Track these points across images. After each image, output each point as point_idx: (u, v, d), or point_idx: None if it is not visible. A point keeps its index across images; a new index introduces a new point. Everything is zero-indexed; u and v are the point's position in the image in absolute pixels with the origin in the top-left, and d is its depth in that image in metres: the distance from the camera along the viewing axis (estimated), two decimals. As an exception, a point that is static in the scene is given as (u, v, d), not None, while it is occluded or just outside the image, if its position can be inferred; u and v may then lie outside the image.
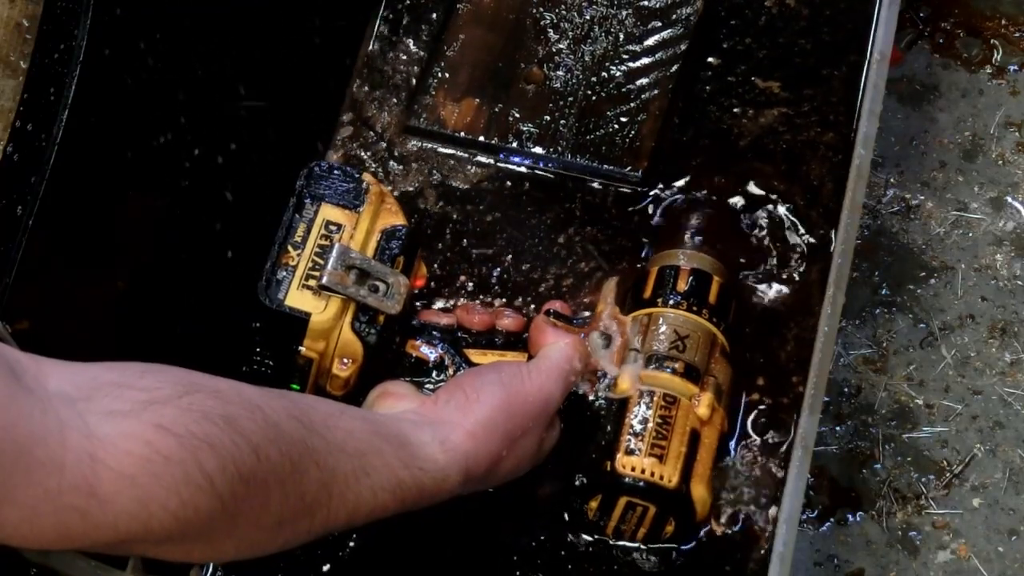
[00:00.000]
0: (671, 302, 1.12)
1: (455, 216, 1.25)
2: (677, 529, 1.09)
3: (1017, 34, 1.62)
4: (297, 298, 1.07)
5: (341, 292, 1.06)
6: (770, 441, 1.14)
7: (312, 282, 1.07)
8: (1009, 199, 1.53)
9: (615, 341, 1.12)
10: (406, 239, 1.11)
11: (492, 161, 1.28)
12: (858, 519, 1.38)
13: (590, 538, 1.11)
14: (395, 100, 1.31)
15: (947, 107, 1.58)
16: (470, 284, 1.22)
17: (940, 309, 1.48)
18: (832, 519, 1.38)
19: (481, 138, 1.28)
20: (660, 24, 1.31)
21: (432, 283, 1.21)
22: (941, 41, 1.62)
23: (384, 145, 1.29)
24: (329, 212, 1.10)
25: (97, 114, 1.02)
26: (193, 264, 1.16)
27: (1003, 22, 1.63)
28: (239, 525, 0.85)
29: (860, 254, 1.48)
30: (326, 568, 1.10)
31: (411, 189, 1.27)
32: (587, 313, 1.17)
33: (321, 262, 1.07)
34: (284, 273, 1.07)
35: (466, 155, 1.28)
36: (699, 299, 1.12)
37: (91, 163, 1.03)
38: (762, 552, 1.09)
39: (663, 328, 1.11)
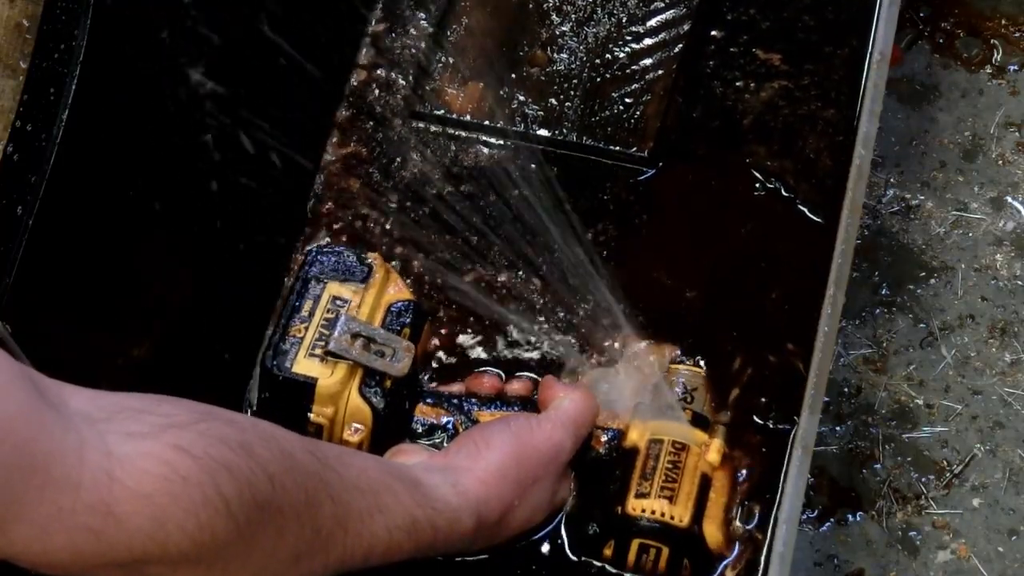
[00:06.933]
0: (680, 359, 1.15)
1: (462, 202, 1.25)
2: (693, 570, 1.09)
3: (1017, 34, 1.62)
4: (304, 365, 1.07)
5: (347, 357, 1.07)
6: (769, 441, 1.14)
7: (319, 350, 1.08)
8: (1009, 199, 1.53)
9: (625, 395, 1.13)
10: (412, 313, 1.12)
11: (498, 144, 1.28)
12: (858, 519, 1.38)
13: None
14: (401, 84, 1.31)
15: (947, 107, 1.58)
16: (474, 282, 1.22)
17: (940, 309, 1.48)
18: (832, 519, 1.38)
19: (487, 121, 1.28)
20: (663, 5, 1.32)
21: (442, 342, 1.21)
22: (941, 41, 1.62)
23: (389, 132, 1.29)
24: (335, 288, 1.11)
25: (97, 114, 1.02)
26: (201, 271, 1.16)
27: (1003, 22, 1.63)
28: (255, 554, 0.85)
29: (860, 254, 1.48)
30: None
31: (418, 176, 1.27)
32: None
33: (327, 332, 1.08)
34: (291, 343, 1.08)
35: (472, 138, 1.28)
36: (708, 355, 1.15)
37: (92, 164, 1.03)
38: (762, 552, 1.09)
39: (672, 381, 1.14)
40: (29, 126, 0.98)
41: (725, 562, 1.09)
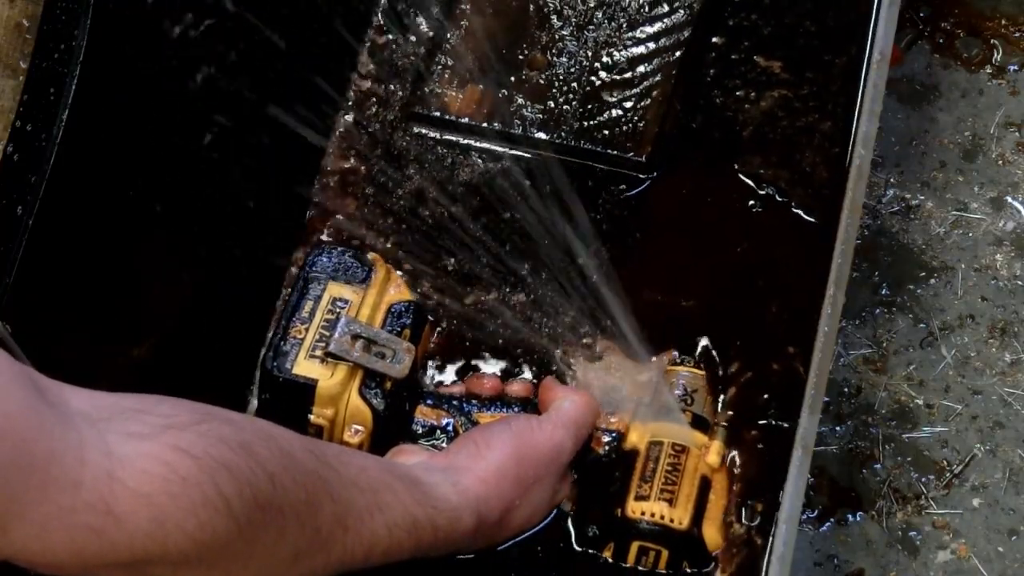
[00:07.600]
0: (680, 360, 1.15)
1: (459, 207, 1.25)
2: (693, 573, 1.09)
3: (1017, 34, 1.62)
4: (305, 367, 1.07)
5: (348, 358, 1.07)
6: (770, 441, 1.14)
7: (319, 351, 1.08)
8: (1009, 199, 1.53)
9: (625, 397, 1.13)
10: (413, 314, 1.12)
11: (496, 150, 1.28)
12: (858, 519, 1.38)
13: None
14: (400, 89, 1.31)
15: (947, 107, 1.58)
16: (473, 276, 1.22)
17: (940, 309, 1.48)
18: (832, 519, 1.38)
19: (484, 124, 1.28)
20: (663, 10, 1.32)
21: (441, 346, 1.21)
22: (941, 41, 1.62)
23: (387, 134, 1.29)
24: (336, 289, 1.11)
25: (97, 114, 1.02)
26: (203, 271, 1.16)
27: (1003, 22, 1.63)
28: (256, 553, 0.85)
29: (860, 254, 1.48)
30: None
31: (415, 178, 1.27)
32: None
33: (328, 333, 1.08)
34: (291, 344, 1.08)
35: (470, 142, 1.28)
36: (708, 356, 1.15)
37: (92, 164, 1.03)
38: (762, 552, 1.09)
39: (672, 383, 1.13)
40: (29, 126, 0.98)
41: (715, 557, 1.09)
